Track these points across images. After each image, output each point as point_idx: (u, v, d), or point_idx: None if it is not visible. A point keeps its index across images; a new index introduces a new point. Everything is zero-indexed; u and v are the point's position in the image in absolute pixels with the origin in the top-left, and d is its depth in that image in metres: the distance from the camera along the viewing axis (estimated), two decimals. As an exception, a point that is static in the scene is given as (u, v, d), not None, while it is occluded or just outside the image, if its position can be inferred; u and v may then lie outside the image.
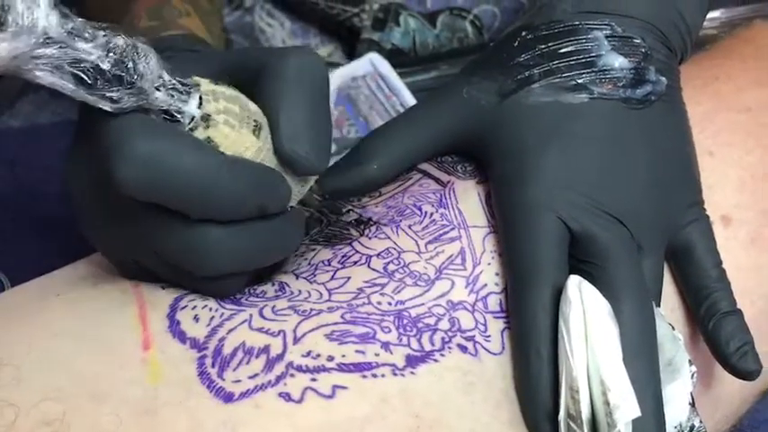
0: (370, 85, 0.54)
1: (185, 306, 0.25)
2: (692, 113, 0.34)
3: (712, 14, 0.63)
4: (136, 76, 0.22)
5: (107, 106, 0.22)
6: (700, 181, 0.32)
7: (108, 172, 0.22)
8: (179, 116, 0.23)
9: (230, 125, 0.24)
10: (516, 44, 0.32)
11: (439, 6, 0.59)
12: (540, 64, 0.31)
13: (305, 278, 0.27)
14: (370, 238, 0.29)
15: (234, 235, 0.24)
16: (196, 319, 0.25)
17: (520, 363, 0.27)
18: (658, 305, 0.29)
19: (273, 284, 0.27)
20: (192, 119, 0.23)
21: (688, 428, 0.27)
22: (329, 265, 0.28)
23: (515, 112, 0.31)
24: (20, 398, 0.22)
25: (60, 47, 0.21)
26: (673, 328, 0.28)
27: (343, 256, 0.28)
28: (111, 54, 0.21)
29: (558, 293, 0.27)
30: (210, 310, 0.25)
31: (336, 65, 0.65)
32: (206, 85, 0.24)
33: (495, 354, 0.27)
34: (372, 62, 0.53)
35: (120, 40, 0.22)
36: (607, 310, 0.26)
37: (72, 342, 0.25)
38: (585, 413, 0.25)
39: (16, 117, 0.60)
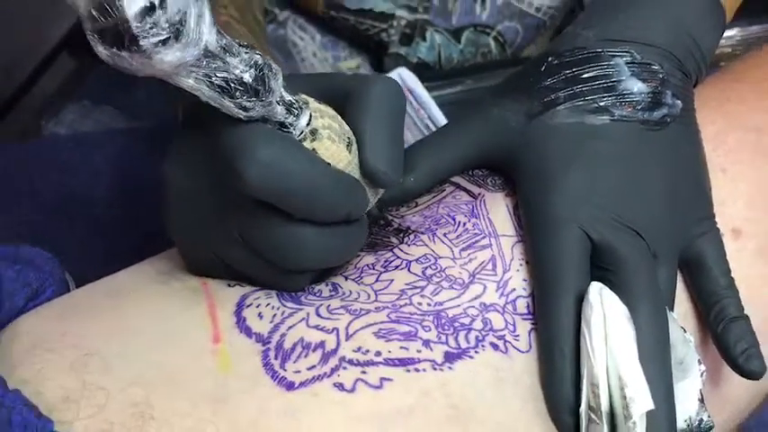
0: (399, 98, 0.57)
1: (250, 304, 0.28)
2: (706, 132, 0.37)
3: (728, 33, 0.66)
4: (268, 91, 0.25)
5: (240, 114, 0.25)
6: (711, 196, 0.35)
7: (234, 171, 0.25)
8: (291, 128, 0.26)
9: (332, 139, 0.27)
10: (543, 69, 0.35)
11: (463, 23, 0.62)
12: (564, 88, 0.34)
13: (353, 280, 0.30)
14: (409, 245, 0.32)
15: (324, 235, 0.27)
16: (260, 316, 0.28)
17: (545, 360, 0.29)
18: (671, 310, 0.32)
19: (327, 285, 0.30)
20: (302, 132, 0.27)
21: (697, 422, 0.30)
22: (373, 268, 0.31)
23: (542, 131, 0.33)
24: (109, 383, 0.26)
25: (214, 59, 0.24)
26: (684, 330, 0.31)
27: (385, 261, 0.31)
28: (252, 70, 0.25)
29: (581, 299, 0.29)
30: (273, 308, 0.28)
31: (364, 76, 0.69)
32: (313, 103, 0.27)
33: (523, 352, 0.30)
34: (401, 76, 0.56)
35: (259, 58, 0.25)
36: (625, 314, 0.29)
37: (149, 336, 0.28)
38: (604, 406, 0.27)
39: (61, 125, 0.64)
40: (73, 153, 0.58)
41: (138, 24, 0.21)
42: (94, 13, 0.21)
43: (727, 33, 0.66)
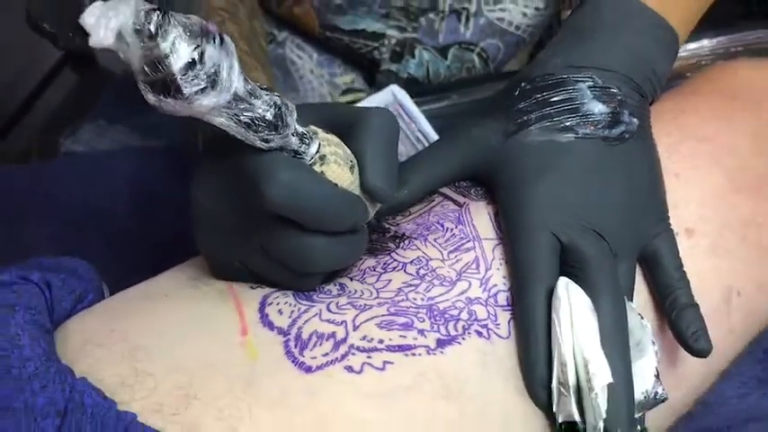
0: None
1: (271, 303, 0.33)
2: (662, 143, 0.42)
3: (693, 45, 0.71)
4: (285, 126, 0.30)
5: (262, 145, 0.30)
6: (666, 201, 0.40)
7: (259, 191, 0.30)
8: (303, 155, 0.31)
9: (337, 163, 0.32)
10: (517, 93, 0.40)
11: (449, 41, 0.67)
12: (535, 110, 0.39)
13: (357, 280, 0.35)
14: (404, 250, 0.37)
15: (332, 243, 0.32)
16: (280, 312, 0.33)
17: (523, 344, 0.34)
18: (631, 300, 0.37)
19: (335, 285, 0.35)
20: (312, 158, 0.32)
21: (653, 394, 0.35)
22: (374, 270, 0.36)
23: (517, 148, 0.38)
24: (156, 370, 0.30)
25: (241, 101, 0.28)
26: (642, 317, 0.36)
27: (384, 264, 0.36)
28: (272, 109, 0.29)
29: (551, 292, 0.35)
30: (290, 305, 0.33)
31: (359, 90, 0.74)
32: (321, 133, 0.32)
33: (503, 338, 0.35)
34: (394, 93, 0.61)
35: (278, 99, 0.30)
36: (588, 305, 0.34)
37: (186, 330, 0.33)
38: (572, 381, 0.33)
39: (78, 143, 0.68)
40: (90, 170, 0.63)
41: (183, 77, 0.26)
42: (146, 68, 0.26)
43: (692, 46, 0.71)
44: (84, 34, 0.26)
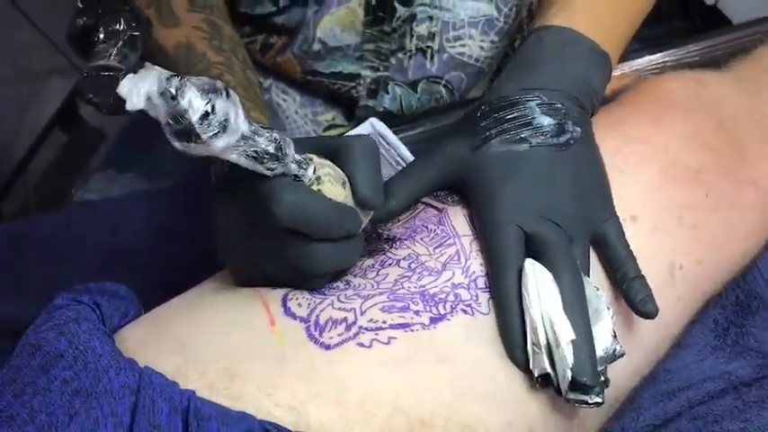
0: (373, 142, 0.69)
1: (291, 298, 0.40)
2: (607, 146, 0.49)
3: (639, 61, 0.80)
4: (285, 156, 0.37)
5: (268, 173, 0.36)
6: (610, 193, 0.47)
7: (270, 210, 0.36)
8: (302, 178, 0.38)
9: (331, 182, 0.39)
10: (479, 114, 0.47)
11: (418, 76, 0.75)
12: (495, 126, 0.46)
13: (360, 276, 0.42)
14: (397, 249, 0.44)
15: (333, 248, 0.39)
16: (299, 305, 0.40)
17: (501, 317, 0.41)
18: (587, 275, 0.44)
19: (342, 281, 0.42)
20: (310, 179, 0.38)
21: (612, 350, 0.42)
22: (373, 267, 0.43)
23: (482, 159, 0.46)
24: (203, 359, 0.37)
25: (247, 140, 0.35)
26: (597, 288, 0.43)
27: (381, 261, 0.43)
28: (272, 144, 0.36)
29: (520, 272, 0.42)
30: (307, 299, 0.40)
31: (340, 126, 0.81)
32: (315, 158, 0.39)
33: (484, 314, 0.42)
34: (373, 124, 0.69)
35: (276, 135, 0.36)
36: (551, 279, 0.41)
37: (224, 327, 0.39)
38: (543, 341, 0.40)
39: (91, 192, 0.75)
40: (108, 214, 0.69)
41: (200, 126, 0.32)
42: (171, 121, 0.32)
43: (637, 62, 0.79)
44: (122, 101, 0.33)
